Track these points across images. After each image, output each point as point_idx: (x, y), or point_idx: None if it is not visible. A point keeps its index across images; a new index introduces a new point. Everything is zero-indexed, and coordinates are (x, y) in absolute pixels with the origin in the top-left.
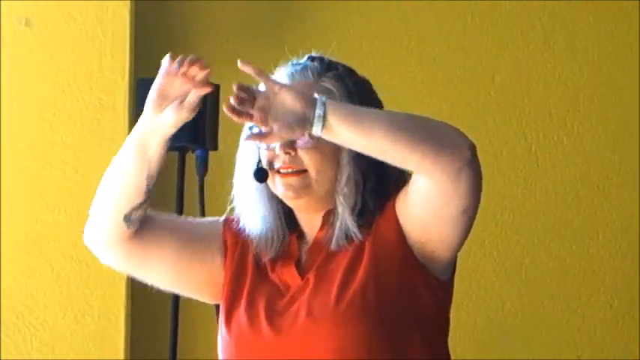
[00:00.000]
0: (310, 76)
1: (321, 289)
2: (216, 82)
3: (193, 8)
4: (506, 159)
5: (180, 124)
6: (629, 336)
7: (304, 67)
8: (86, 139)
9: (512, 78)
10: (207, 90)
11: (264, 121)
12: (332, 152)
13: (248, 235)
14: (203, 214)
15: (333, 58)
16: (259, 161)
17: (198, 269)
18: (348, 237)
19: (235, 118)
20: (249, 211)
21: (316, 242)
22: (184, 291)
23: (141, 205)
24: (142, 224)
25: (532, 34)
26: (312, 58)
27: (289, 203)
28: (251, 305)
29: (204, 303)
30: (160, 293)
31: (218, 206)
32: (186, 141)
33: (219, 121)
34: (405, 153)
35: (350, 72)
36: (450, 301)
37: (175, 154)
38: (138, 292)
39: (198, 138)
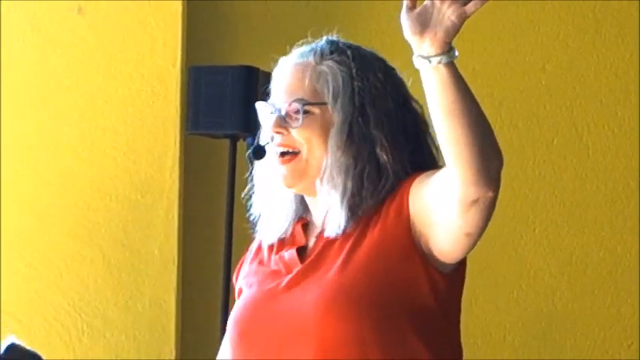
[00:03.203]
0: (312, 58)
1: (315, 275)
2: (267, 70)
3: None
4: (557, 148)
5: None
6: None
7: (312, 49)
8: (138, 126)
9: (563, 67)
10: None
11: (423, 5)
12: (322, 133)
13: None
14: None
15: (350, 42)
16: (258, 140)
17: None
18: (339, 225)
19: None
20: (265, 195)
21: (324, 229)
22: None
23: None
24: None
25: (583, 23)
26: (327, 40)
27: (291, 190)
28: (251, 290)
29: None
30: (210, 279)
31: None
32: (237, 129)
33: None
34: (460, 147)
35: (361, 57)
36: (455, 296)
37: (226, 142)
38: (189, 278)
39: (249, 126)
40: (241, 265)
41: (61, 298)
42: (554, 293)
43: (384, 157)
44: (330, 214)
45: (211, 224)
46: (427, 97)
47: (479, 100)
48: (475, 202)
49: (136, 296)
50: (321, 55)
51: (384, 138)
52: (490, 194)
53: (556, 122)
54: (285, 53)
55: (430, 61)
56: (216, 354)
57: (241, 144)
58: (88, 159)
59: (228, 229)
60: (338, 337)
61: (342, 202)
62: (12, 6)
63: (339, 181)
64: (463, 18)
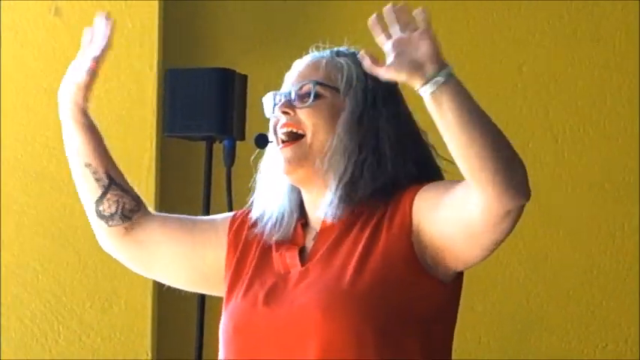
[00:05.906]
0: (328, 53)
1: (320, 276)
2: (243, 73)
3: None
4: (532, 151)
5: (76, 87)
6: None
7: (328, 49)
8: (114, 128)
9: (539, 69)
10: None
11: (394, 53)
12: (330, 117)
13: (256, 222)
14: (230, 204)
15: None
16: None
17: (199, 266)
18: (338, 207)
19: (376, 30)
20: (266, 192)
21: (323, 230)
22: (191, 287)
23: (102, 198)
24: (136, 224)
25: (559, 24)
26: (342, 47)
27: (291, 179)
28: (249, 289)
29: None
30: None
31: (245, 197)
32: (213, 131)
33: (246, 111)
34: (481, 164)
35: None
36: (454, 305)
37: (203, 144)
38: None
39: (226, 128)
40: (238, 226)
41: (37, 300)
42: (529, 295)
43: (388, 153)
44: (326, 198)
45: None
46: (440, 122)
47: None
48: (509, 213)
49: (112, 298)
50: (337, 53)
51: (392, 135)
52: (523, 202)
53: (532, 125)
54: (262, 55)
55: (437, 80)
56: (192, 356)
57: (217, 146)
58: (64, 160)
59: None
60: (338, 339)
61: (337, 185)
62: None
63: (340, 163)
64: (428, 33)
